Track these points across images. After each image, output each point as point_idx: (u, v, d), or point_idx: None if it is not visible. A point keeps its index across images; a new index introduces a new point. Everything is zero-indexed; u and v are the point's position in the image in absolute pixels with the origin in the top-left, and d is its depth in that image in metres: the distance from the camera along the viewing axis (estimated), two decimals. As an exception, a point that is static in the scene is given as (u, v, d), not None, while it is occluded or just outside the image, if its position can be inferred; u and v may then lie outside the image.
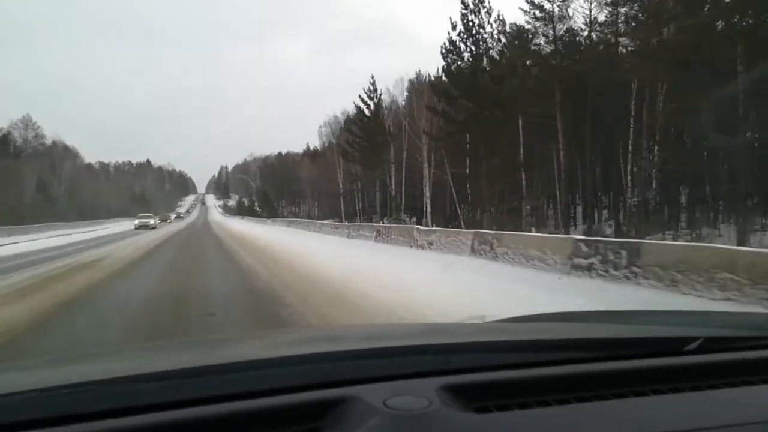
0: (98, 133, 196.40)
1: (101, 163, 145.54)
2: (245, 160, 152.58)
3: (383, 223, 35.95)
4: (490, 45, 31.36)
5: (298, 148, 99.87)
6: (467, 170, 31.86)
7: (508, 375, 0.99)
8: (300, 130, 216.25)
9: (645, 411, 0.90)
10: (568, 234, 20.98)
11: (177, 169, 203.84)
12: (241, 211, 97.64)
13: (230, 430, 0.83)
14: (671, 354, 1.11)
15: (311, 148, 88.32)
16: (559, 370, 1.01)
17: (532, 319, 1.83)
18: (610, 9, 25.86)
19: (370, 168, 46.05)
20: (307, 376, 0.95)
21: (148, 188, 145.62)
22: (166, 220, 60.31)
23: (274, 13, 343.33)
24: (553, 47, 28.17)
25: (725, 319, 1.81)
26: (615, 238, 14.78)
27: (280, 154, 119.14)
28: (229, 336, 3.18)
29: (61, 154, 74.36)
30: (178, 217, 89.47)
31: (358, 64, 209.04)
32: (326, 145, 65.08)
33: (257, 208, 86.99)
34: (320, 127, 66.45)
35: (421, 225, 27.23)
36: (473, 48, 31.24)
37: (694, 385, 0.98)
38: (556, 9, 27.31)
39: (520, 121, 27.43)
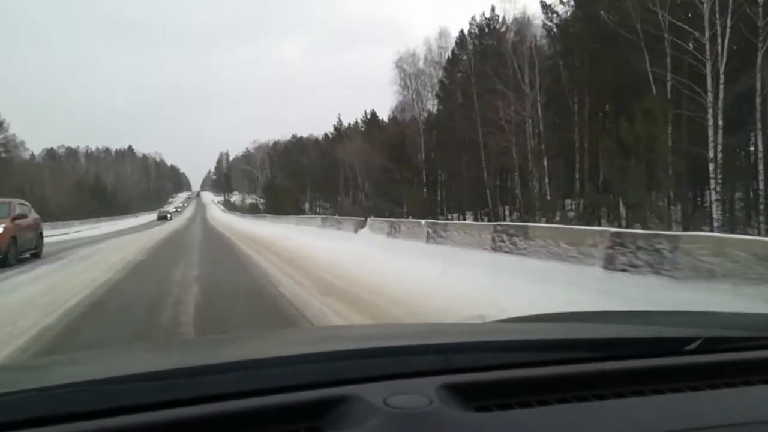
0: (87, 127, 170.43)
1: (68, 149, 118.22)
2: (247, 149, 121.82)
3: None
4: None
5: (306, 134, 77.75)
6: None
7: (509, 374, 0.99)
8: (309, 115, 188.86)
9: (644, 411, 0.90)
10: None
11: (168, 162, 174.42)
12: (267, 206, 59.07)
13: (229, 428, 0.82)
14: (671, 354, 1.10)
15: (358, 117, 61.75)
16: (559, 370, 1.01)
17: (531, 319, 1.80)
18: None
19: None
20: (307, 375, 0.94)
21: (128, 181, 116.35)
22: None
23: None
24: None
25: (725, 319, 1.74)
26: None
27: (294, 137, 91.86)
28: (228, 336, 3.12)
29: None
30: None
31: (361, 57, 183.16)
32: (414, 98, 38.51)
33: (311, 209, 53.00)
34: (397, 61, 41.14)
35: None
36: None
37: (693, 385, 0.97)
38: None
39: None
